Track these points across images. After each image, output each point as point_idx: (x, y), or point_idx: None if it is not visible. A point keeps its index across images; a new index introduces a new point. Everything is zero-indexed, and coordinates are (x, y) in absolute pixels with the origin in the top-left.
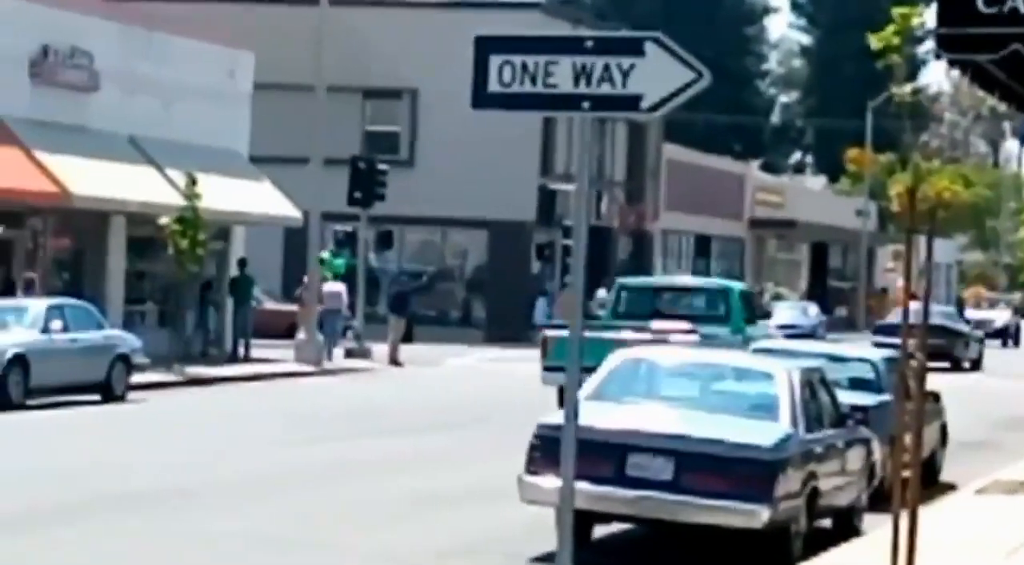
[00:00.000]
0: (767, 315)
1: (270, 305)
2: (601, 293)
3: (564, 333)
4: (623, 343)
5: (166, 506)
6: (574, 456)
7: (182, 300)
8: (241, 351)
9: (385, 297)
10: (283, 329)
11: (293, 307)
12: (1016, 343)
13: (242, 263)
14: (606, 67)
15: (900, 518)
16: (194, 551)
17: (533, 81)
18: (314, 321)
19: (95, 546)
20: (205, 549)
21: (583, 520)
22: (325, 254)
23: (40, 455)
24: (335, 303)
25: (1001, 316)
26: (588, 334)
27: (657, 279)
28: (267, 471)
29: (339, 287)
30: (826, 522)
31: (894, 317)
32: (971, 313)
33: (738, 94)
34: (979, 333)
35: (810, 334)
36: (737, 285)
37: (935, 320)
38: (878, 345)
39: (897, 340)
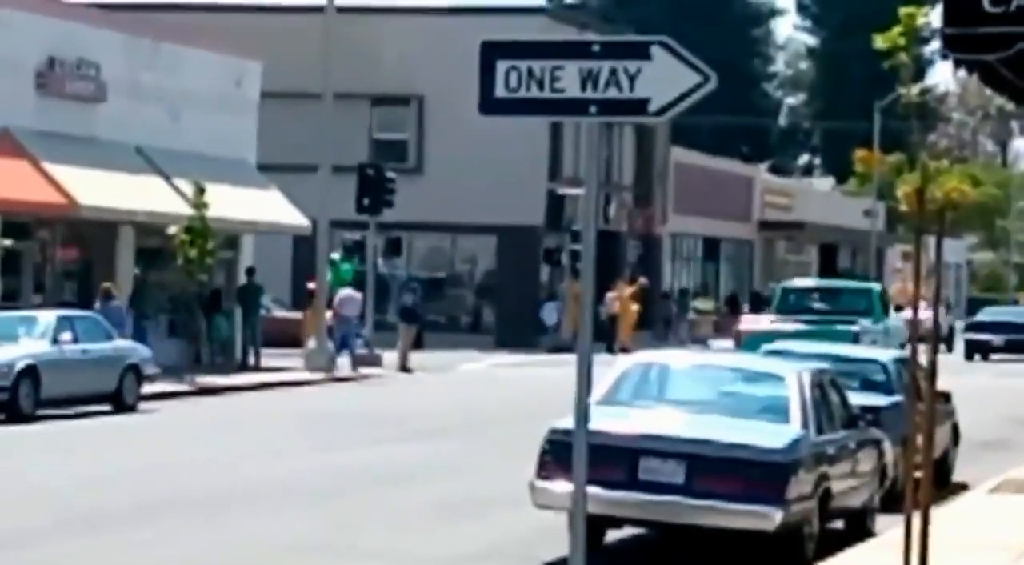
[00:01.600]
0: (899, 308)
1: (279, 313)
2: (610, 295)
3: (757, 327)
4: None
5: (185, 515)
6: (586, 460)
7: (149, 307)
8: (251, 360)
9: (394, 304)
10: (292, 337)
11: (301, 315)
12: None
13: (250, 272)
14: (613, 71)
15: (912, 519)
16: (204, 557)
17: (540, 86)
18: (324, 328)
19: (135, 552)
20: (216, 554)
21: (595, 524)
22: (335, 255)
23: (57, 466)
24: (348, 310)
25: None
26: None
27: (813, 281)
28: (282, 479)
29: (354, 293)
30: (839, 523)
31: (984, 315)
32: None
33: (745, 96)
34: None
35: None
36: (876, 286)
37: (1019, 319)
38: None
39: (986, 337)
